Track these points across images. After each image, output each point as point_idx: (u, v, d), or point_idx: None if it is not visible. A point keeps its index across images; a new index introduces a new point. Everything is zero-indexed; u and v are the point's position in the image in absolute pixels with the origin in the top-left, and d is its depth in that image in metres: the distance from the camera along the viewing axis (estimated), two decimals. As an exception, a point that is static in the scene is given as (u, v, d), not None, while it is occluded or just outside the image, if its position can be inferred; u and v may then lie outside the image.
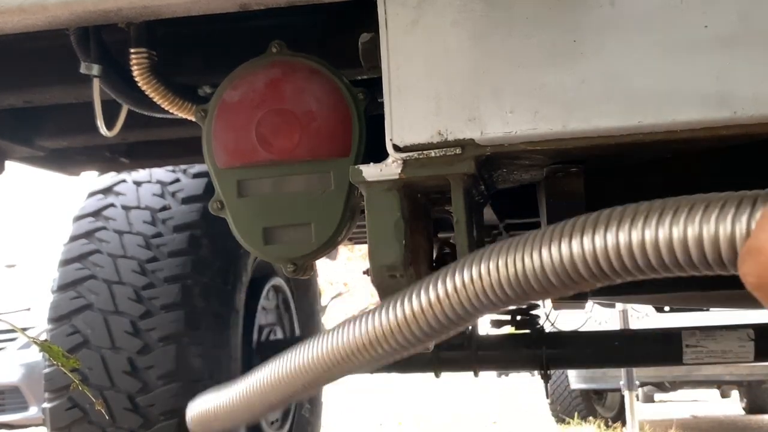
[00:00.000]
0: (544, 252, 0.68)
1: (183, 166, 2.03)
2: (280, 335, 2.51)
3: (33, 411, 5.91)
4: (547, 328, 2.53)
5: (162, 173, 2.04)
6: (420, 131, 0.86)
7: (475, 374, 2.41)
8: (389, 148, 0.87)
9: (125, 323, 1.82)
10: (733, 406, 9.46)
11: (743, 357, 2.21)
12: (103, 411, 1.75)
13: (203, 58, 1.20)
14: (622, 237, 0.64)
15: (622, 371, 5.23)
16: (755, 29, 0.81)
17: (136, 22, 1.05)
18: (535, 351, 2.32)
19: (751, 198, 0.59)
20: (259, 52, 1.06)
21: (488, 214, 1.70)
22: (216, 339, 1.91)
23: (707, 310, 4.49)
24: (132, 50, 1.08)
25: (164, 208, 1.96)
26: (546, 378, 2.38)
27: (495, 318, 2.50)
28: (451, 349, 2.34)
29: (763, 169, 1.22)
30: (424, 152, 0.86)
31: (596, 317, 5.61)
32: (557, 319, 2.81)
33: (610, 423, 6.59)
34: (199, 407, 0.98)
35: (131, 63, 1.08)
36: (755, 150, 1.07)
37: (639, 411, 5.79)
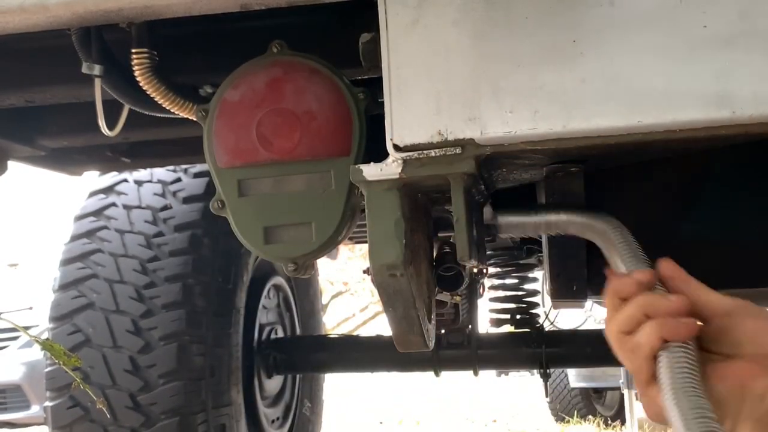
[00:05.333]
0: None
1: (184, 166, 2.04)
2: (281, 334, 2.51)
3: (35, 409, 5.92)
4: (547, 327, 2.53)
5: (163, 173, 2.04)
6: (420, 131, 0.86)
7: (475, 373, 2.42)
8: (389, 148, 0.87)
9: (126, 322, 1.83)
10: (733, 405, 9.43)
11: (743, 356, 2.20)
12: (104, 409, 1.75)
13: (204, 58, 1.20)
14: None
15: (622, 370, 5.24)
16: (755, 29, 0.82)
17: (138, 22, 1.05)
18: (535, 350, 2.33)
19: None
20: (260, 51, 1.06)
21: (488, 214, 1.70)
22: (217, 338, 1.92)
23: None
24: (133, 50, 1.08)
25: (165, 208, 1.96)
26: (545, 377, 2.38)
27: (495, 317, 2.51)
28: (451, 348, 2.34)
29: (764, 168, 1.22)
30: (424, 152, 0.86)
31: (596, 316, 5.61)
32: (557, 318, 2.81)
33: (609, 422, 6.60)
34: None
35: (132, 63, 1.09)
36: (755, 149, 1.07)
37: (638, 409, 5.79)
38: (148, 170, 2.04)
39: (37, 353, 5.78)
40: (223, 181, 1.05)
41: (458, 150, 0.86)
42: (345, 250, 9.35)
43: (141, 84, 1.10)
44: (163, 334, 1.81)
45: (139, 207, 1.97)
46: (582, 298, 1.25)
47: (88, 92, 1.15)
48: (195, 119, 1.08)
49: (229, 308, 1.98)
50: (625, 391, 5.27)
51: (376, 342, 2.44)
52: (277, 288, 2.54)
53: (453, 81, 0.86)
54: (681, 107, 0.82)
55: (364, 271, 1.04)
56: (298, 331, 2.68)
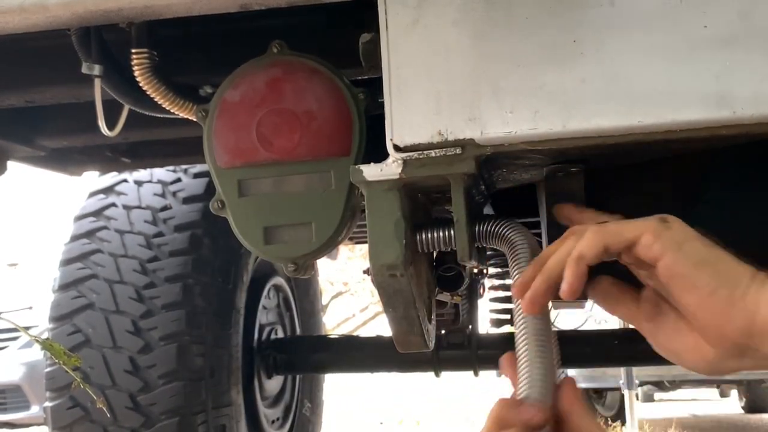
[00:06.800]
0: None
1: (184, 166, 2.04)
2: (281, 334, 2.51)
3: (34, 410, 5.93)
4: (547, 328, 2.52)
5: (163, 173, 2.05)
6: (420, 131, 0.86)
7: (475, 374, 2.41)
8: (389, 148, 0.87)
9: (126, 322, 1.83)
10: (732, 405, 9.46)
11: (743, 356, 2.20)
12: (104, 410, 1.75)
13: (204, 58, 1.20)
14: None
15: (622, 370, 5.25)
16: (755, 29, 0.82)
17: (137, 22, 1.05)
18: (535, 350, 2.31)
19: None
20: (260, 52, 1.06)
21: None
22: (217, 338, 1.92)
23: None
24: (133, 50, 1.08)
25: (165, 208, 1.96)
26: (546, 377, 2.37)
27: (495, 317, 2.51)
28: (451, 349, 2.34)
29: (764, 168, 1.22)
30: (425, 152, 0.86)
31: (596, 316, 5.61)
32: (557, 318, 2.81)
33: (609, 422, 6.60)
34: None
35: (132, 63, 1.09)
36: (755, 149, 1.07)
37: (639, 410, 5.80)
38: (148, 170, 2.04)
39: (37, 353, 5.78)
40: (223, 181, 1.05)
41: (458, 150, 0.86)
42: (345, 250, 9.35)
43: (141, 84, 1.10)
44: (163, 334, 1.81)
45: (139, 207, 1.97)
46: (582, 298, 1.25)
47: (88, 92, 1.15)
48: (195, 119, 1.08)
49: (229, 308, 1.98)
50: (626, 392, 5.27)
51: (376, 342, 2.44)
52: (277, 288, 2.54)
53: (453, 81, 0.86)
54: (681, 107, 0.82)
55: (364, 271, 1.04)
56: (298, 331, 2.68)
